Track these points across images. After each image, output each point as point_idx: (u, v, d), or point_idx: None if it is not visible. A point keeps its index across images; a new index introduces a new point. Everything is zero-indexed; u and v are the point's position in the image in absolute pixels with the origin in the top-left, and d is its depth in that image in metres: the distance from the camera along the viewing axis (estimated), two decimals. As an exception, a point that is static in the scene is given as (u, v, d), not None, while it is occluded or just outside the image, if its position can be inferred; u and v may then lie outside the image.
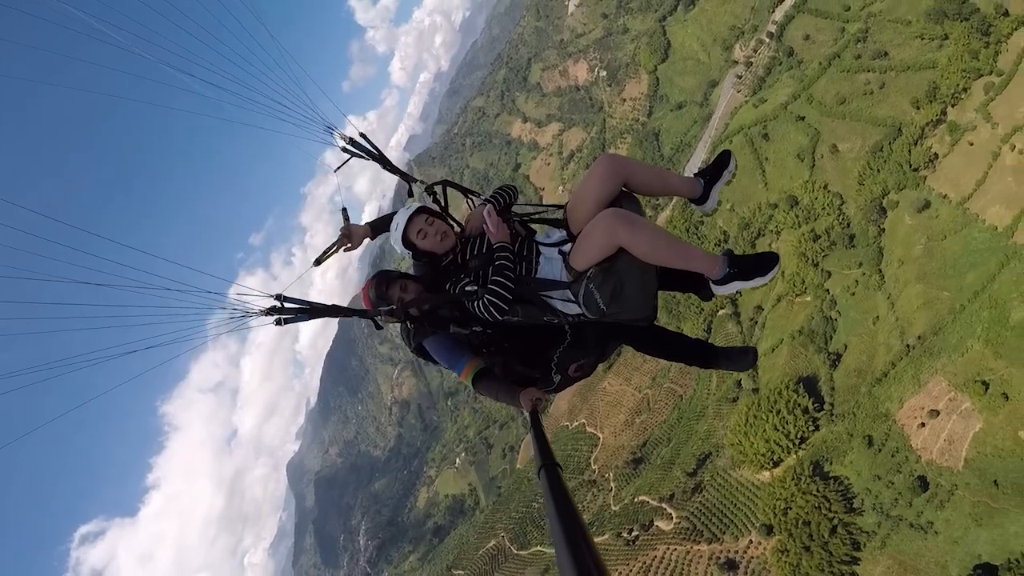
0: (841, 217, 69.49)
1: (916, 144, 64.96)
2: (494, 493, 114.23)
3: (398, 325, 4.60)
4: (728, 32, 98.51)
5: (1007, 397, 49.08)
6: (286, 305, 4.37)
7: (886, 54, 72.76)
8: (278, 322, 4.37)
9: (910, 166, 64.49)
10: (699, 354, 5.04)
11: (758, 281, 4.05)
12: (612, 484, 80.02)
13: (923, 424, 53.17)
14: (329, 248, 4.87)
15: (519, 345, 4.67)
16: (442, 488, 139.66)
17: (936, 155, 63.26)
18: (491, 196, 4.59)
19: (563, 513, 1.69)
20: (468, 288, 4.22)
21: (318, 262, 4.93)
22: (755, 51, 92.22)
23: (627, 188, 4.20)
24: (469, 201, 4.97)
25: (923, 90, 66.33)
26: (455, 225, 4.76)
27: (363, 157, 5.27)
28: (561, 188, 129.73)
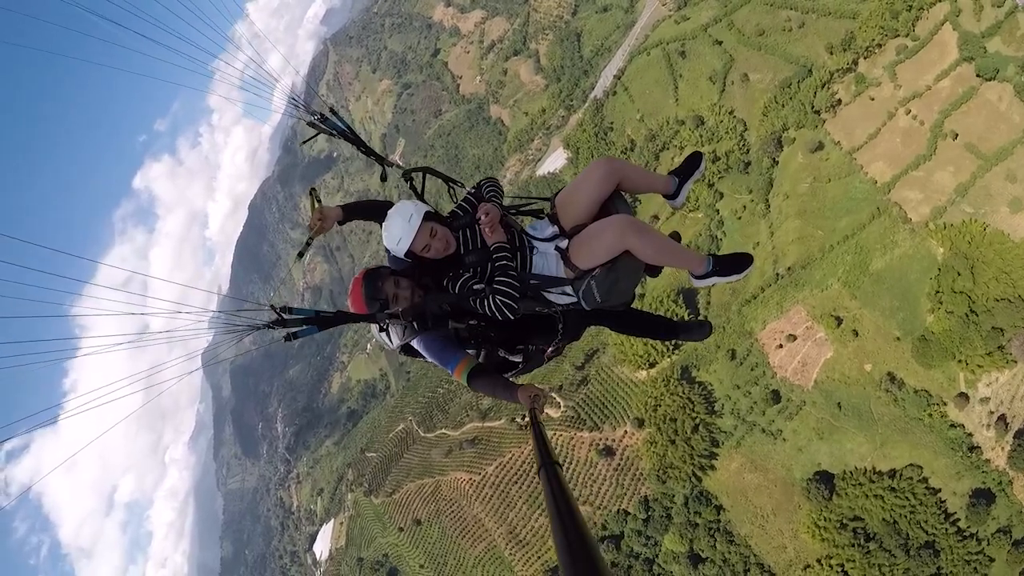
0: (741, 143, 71.30)
1: (822, 88, 67.32)
2: (403, 378, 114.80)
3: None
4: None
5: (857, 334, 55.00)
6: (290, 317, 4.09)
7: (812, -5, 73.86)
8: (287, 337, 4.11)
9: (812, 107, 67.00)
10: (663, 329, 5.34)
11: (733, 277, 4.34)
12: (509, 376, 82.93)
13: (781, 345, 58.23)
14: (308, 237, 4.76)
15: (502, 334, 4.59)
16: (354, 374, 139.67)
17: (839, 101, 66.31)
18: (490, 195, 4.44)
19: (563, 513, 1.70)
20: (476, 287, 4.17)
21: (300, 255, 5.26)
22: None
23: (617, 187, 4.38)
24: (451, 191, 4.83)
25: (839, 38, 68.25)
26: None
27: (331, 134, 5.01)
28: (479, 78, 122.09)
